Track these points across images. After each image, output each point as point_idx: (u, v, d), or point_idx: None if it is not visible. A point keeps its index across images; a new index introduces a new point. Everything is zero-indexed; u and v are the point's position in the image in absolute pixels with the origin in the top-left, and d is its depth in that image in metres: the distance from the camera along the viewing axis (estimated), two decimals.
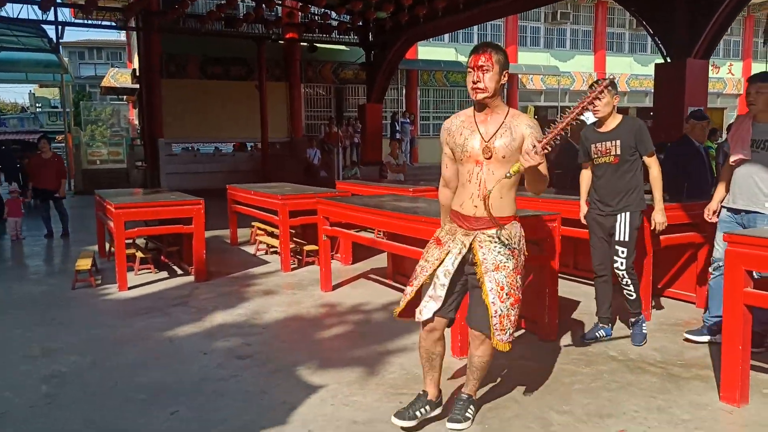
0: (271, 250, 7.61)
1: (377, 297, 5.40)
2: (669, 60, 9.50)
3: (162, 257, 6.88)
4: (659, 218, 4.00)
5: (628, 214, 3.90)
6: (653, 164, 3.92)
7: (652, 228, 4.07)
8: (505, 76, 2.72)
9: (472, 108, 2.84)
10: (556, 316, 4.17)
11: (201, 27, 15.22)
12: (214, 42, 16.65)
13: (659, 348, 3.97)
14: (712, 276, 3.93)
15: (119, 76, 24.49)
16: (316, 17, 15.90)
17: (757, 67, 25.64)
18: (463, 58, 21.33)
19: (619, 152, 3.86)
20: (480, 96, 2.70)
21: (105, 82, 24.98)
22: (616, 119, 3.93)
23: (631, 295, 4.02)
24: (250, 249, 7.90)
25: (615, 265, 3.96)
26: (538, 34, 23.08)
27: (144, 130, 17.01)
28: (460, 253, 2.74)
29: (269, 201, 6.81)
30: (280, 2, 15.28)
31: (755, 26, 26.05)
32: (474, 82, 2.69)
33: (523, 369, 3.63)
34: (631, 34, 24.54)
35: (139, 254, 6.51)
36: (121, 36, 32.39)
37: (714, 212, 3.97)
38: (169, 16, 14.41)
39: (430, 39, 18.95)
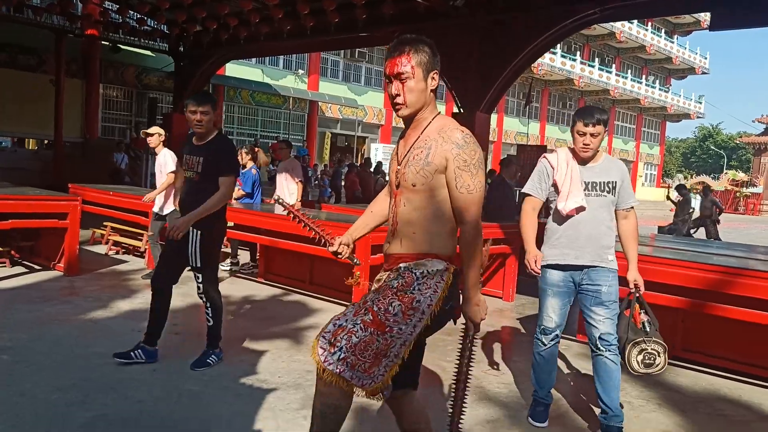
0: (123, 250, 7.81)
1: (255, 291, 6.23)
2: (462, 111, 11.77)
3: (12, 252, 6.70)
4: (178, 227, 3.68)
5: (199, 233, 3.73)
6: (224, 185, 3.74)
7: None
8: (433, 78, 2.08)
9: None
10: None
11: None
12: (2, 27, 15.23)
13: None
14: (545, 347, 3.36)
15: None
16: (131, 21, 15.55)
17: (509, 121, 31.24)
18: (268, 80, 22.33)
19: (200, 170, 3.75)
20: (402, 113, 2.13)
21: None
22: (213, 134, 3.83)
23: (209, 322, 3.89)
24: (98, 249, 7.94)
25: (198, 291, 3.87)
26: (337, 67, 25.13)
27: None
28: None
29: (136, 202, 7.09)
30: (96, 2, 14.69)
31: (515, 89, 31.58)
32: (393, 96, 2.11)
33: None
34: None
35: None
36: None
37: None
38: None
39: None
